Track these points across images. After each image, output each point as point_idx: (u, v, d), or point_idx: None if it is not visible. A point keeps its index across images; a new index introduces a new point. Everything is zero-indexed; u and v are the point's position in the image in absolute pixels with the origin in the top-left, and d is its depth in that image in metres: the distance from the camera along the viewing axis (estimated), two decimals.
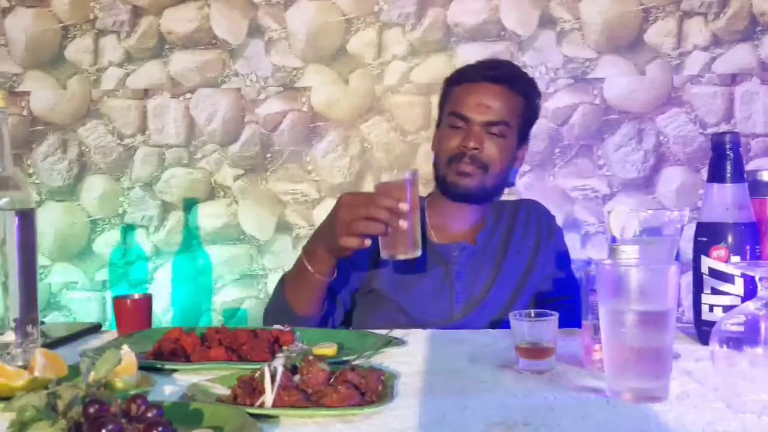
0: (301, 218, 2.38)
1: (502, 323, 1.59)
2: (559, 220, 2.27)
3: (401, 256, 1.47)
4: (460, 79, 1.76)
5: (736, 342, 0.96)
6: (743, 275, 1.21)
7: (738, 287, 1.22)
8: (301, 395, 0.93)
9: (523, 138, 1.77)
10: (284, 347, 1.23)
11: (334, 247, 1.46)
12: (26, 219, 1.15)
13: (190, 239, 2.39)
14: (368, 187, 2.37)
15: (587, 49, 2.33)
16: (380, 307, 1.67)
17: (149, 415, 0.77)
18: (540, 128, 2.33)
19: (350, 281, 1.69)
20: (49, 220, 2.39)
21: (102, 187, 2.40)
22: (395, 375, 1.06)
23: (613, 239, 1.24)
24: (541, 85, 2.32)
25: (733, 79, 2.31)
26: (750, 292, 1.20)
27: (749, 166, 2.19)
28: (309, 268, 1.52)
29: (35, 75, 2.40)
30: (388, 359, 1.20)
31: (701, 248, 1.26)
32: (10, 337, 1.12)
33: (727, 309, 1.19)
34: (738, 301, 1.21)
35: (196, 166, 2.39)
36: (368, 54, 2.37)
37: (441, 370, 1.15)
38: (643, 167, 2.33)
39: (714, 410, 0.92)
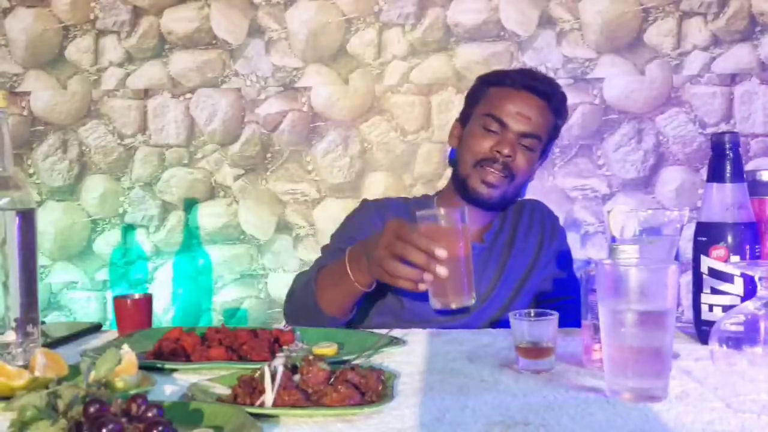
0: (301, 218, 2.38)
1: (502, 323, 1.59)
2: (560, 220, 2.28)
3: (453, 305, 1.32)
4: (501, 82, 1.73)
5: (735, 341, 0.96)
6: (743, 275, 1.22)
7: (737, 287, 1.23)
8: (302, 395, 0.93)
9: (544, 153, 1.78)
10: (284, 347, 1.23)
11: (373, 271, 1.38)
12: (27, 219, 1.15)
13: (191, 239, 2.39)
14: (368, 186, 2.37)
15: (587, 49, 2.34)
16: (384, 305, 1.67)
17: (149, 414, 0.77)
18: None
19: None
20: (50, 220, 2.39)
21: (102, 187, 2.40)
22: (395, 374, 1.06)
23: (613, 239, 1.24)
24: None
25: (732, 79, 2.31)
26: (749, 292, 1.20)
27: (749, 166, 2.19)
28: (350, 275, 1.44)
29: (36, 75, 2.40)
30: (388, 359, 1.20)
31: (701, 248, 1.26)
32: (10, 336, 1.12)
33: (726, 309, 1.19)
34: (737, 300, 1.21)
35: (196, 166, 2.40)
36: (368, 54, 2.37)
37: (441, 369, 1.15)
38: (642, 167, 2.33)
39: (713, 410, 0.92)
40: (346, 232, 1.77)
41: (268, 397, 0.92)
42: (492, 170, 1.67)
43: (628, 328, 0.96)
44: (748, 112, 2.31)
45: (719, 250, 1.24)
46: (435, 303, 1.33)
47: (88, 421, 0.74)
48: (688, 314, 1.42)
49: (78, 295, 2.40)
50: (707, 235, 1.26)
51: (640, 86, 2.33)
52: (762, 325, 0.96)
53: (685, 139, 2.33)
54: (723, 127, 2.31)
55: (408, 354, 1.24)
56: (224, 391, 0.98)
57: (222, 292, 2.39)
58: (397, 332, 1.37)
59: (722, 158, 1.25)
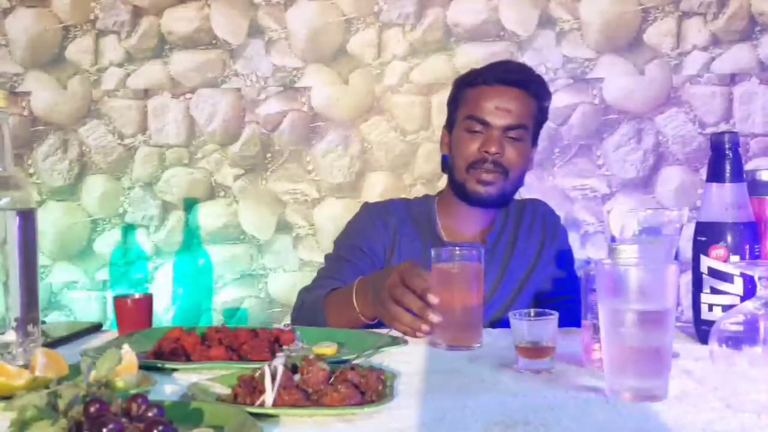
0: (301, 218, 2.38)
1: (502, 322, 1.59)
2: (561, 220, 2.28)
3: (458, 346, 1.29)
4: (475, 82, 1.73)
5: (735, 341, 0.96)
6: (742, 275, 1.22)
7: (737, 287, 1.23)
8: (302, 394, 0.93)
9: (535, 140, 1.77)
10: (284, 346, 1.23)
11: (376, 309, 1.38)
12: (27, 219, 1.15)
13: (191, 239, 2.39)
14: (368, 186, 2.37)
15: (586, 49, 2.34)
16: None
17: (150, 414, 0.77)
18: None
19: (370, 271, 1.68)
20: (50, 220, 2.39)
21: (102, 187, 2.41)
22: (395, 374, 1.06)
23: (613, 239, 1.24)
24: None
25: (731, 79, 2.32)
26: (749, 292, 1.20)
27: (748, 166, 2.19)
28: (356, 307, 1.44)
29: (36, 75, 2.40)
30: (388, 358, 1.20)
31: (700, 248, 1.26)
32: (11, 336, 1.12)
33: (726, 308, 1.19)
34: (737, 300, 1.21)
35: (196, 165, 2.40)
36: (368, 54, 2.37)
37: (441, 369, 1.15)
38: (642, 167, 2.33)
39: (713, 409, 0.92)
40: (348, 239, 1.78)
41: (269, 396, 0.93)
42: (484, 170, 1.68)
43: (627, 327, 0.96)
44: (748, 111, 2.31)
45: (719, 250, 1.24)
46: (439, 340, 1.32)
47: (88, 421, 0.74)
48: (688, 314, 1.42)
49: (78, 295, 2.40)
50: (707, 234, 1.26)
51: (639, 86, 2.33)
52: (761, 325, 0.96)
53: (685, 139, 2.33)
54: (722, 127, 2.31)
55: (408, 354, 1.24)
56: (224, 390, 0.98)
57: (222, 291, 2.39)
58: (397, 332, 1.37)
59: (722, 158, 1.25)
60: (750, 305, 0.99)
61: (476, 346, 1.30)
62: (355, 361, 1.13)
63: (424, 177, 2.37)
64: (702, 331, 1.26)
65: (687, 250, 1.34)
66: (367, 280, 1.46)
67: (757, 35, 2.31)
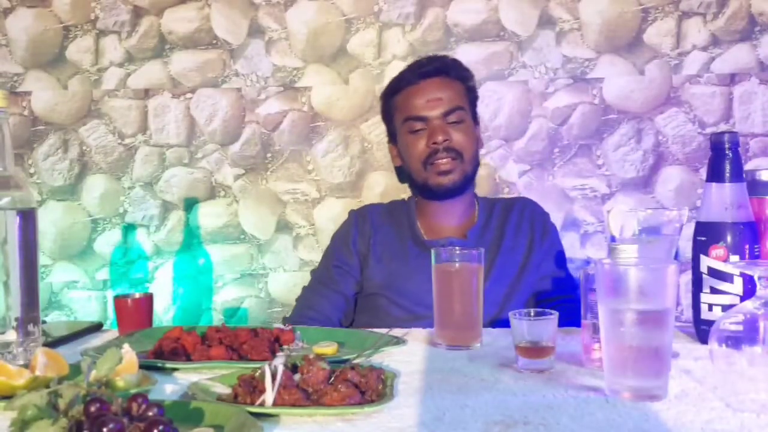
0: (301, 218, 2.38)
1: (501, 322, 1.59)
2: (559, 220, 2.28)
3: (457, 344, 1.30)
4: (399, 87, 1.79)
5: (734, 341, 0.96)
6: (742, 274, 1.22)
7: (737, 286, 1.23)
8: (302, 394, 0.93)
9: (475, 118, 1.83)
10: (284, 346, 1.24)
11: None
12: (27, 218, 1.16)
13: (191, 238, 2.40)
14: (368, 186, 2.37)
15: (586, 49, 2.34)
16: (378, 306, 1.68)
17: (150, 413, 0.77)
18: (539, 128, 2.34)
19: (348, 287, 1.73)
20: (51, 220, 2.39)
21: (103, 187, 2.41)
22: (395, 374, 1.06)
23: (613, 238, 1.24)
24: (540, 85, 2.33)
25: (731, 79, 2.32)
26: (749, 292, 1.20)
27: (748, 166, 2.19)
28: None
29: (36, 75, 2.40)
30: (388, 358, 1.20)
31: (700, 247, 1.26)
32: (11, 336, 1.13)
33: (726, 308, 1.20)
34: (737, 300, 1.22)
35: (196, 165, 2.40)
36: (368, 54, 2.37)
37: (441, 369, 1.15)
38: (642, 167, 2.33)
39: (713, 409, 0.92)
40: (329, 248, 1.88)
41: (269, 396, 0.93)
42: (439, 160, 1.71)
43: (627, 327, 0.96)
44: (748, 111, 2.32)
45: (718, 250, 1.24)
46: (439, 340, 1.32)
47: (88, 421, 0.74)
48: (688, 314, 1.42)
49: (79, 295, 2.40)
50: (707, 234, 1.26)
51: (639, 86, 2.33)
52: (761, 325, 0.96)
53: (685, 139, 2.33)
54: (722, 127, 2.31)
55: (408, 353, 1.25)
56: (225, 390, 0.99)
57: (222, 291, 2.39)
58: (397, 332, 1.37)
59: (721, 158, 1.26)
60: (750, 305, 0.99)
61: (476, 345, 1.30)
62: (355, 361, 1.13)
63: (406, 192, 2.37)
64: (702, 330, 1.26)
65: (687, 250, 1.34)
66: None
67: (757, 35, 2.31)
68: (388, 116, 1.84)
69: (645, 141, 2.33)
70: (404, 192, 2.33)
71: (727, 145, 1.25)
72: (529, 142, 2.35)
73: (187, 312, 2.39)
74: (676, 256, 1.25)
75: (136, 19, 2.39)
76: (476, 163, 1.81)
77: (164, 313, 2.37)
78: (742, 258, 1.23)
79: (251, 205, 2.39)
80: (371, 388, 0.96)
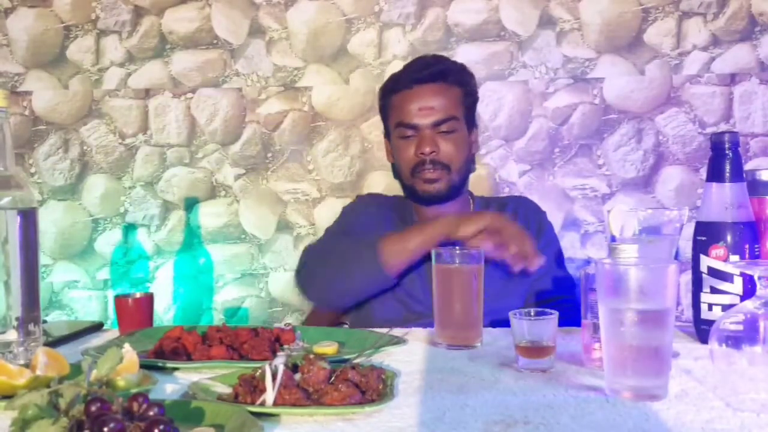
0: (301, 217, 2.39)
1: (501, 322, 1.59)
2: (559, 219, 2.28)
3: (458, 343, 1.29)
4: (396, 87, 1.75)
5: (734, 340, 0.96)
6: (742, 274, 1.22)
7: (737, 286, 1.23)
8: (302, 394, 0.93)
9: (471, 123, 1.78)
10: (285, 346, 1.24)
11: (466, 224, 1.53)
12: (28, 218, 1.16)
13: (192, 238, 2.40)
14: (368, 186, 2.37)
15: (587, 49, 2.34)
16: (377, 301, 1.68)
17: (151, 413, 0.77)
18: (540, 128, 2.34)
19: None
20: (51, 220, 2.39)
21: (103, 187, 2.41)
22: (395, 373, 1.06)
23: (613, 238, 1.24)
24: (540, 85, 2.33)
25: (731, 79, 2.32)
26: (749, 291, 1.20)
27: (748, 166, 2.20)
28: (428, 229, 1.56)
29: (37, 75, 2.40)
30: (388, 358, 1.20)
31: (700, 247, 1.26)
32: (12, 335, 1.13)
33: (726, 308, 1.20)
34: (737, 299, 1.22)
35: (197, 165, 2.40)
36: (368, 54, 2.37)
37: (441, 368, 1.15)
38: (642, 167, 2.33)
39: (713, 409, 0.92)
40: (341, 220, 1.83)
41: (269, 395, 0.93)
42: (426, 170, 1.69)
43: (627, 327, 0.96)
44: (748, 111, 2.32)
45: (719, 250, 1.24)
46: (439, 339, 1.32)
47: (89, 420, 0.74)
48: (688, 313, 1.42)
49: (79, 294, 2.40)
50: (707, 234, 1.26)
51: (639, 86, 2.33)
52: (761, 324, 0.96)
53: (685, 139, 2.33)
54: (722, 127, 2.31)
55: (408, 353, 1.25)
56: (225, 389, 0.99)
57: (223, 291, 2.39)
58: (397, 331, 1.37)
59: (722, 158, 1.25)
60: (750, 305, 0.99)
61: (476, 345, 1.30)
62: (355, 361, 1.13)
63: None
64: (702, 330, 1.26)
65: (687, 250, 1.34)
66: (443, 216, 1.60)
67: (757, 35, 2.31)
68: (383, 112, 1.82)
69: (645, 141, 2.33)
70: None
71: (727, 145, 1.25)
72: (530, 142, 2.35)
73: (188, 311, 2.39)
74: (676, 256, 1.25)
75: (137, 19, 2.40)
76: (467, 170, 1.78)
77: (165, 312, 2.37)
78: (742, 258, 1.23)
79: (252, 205, 2.39)
80: (372, 388, 0.96)
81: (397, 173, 1.82)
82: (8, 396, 0.92)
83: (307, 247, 1.76)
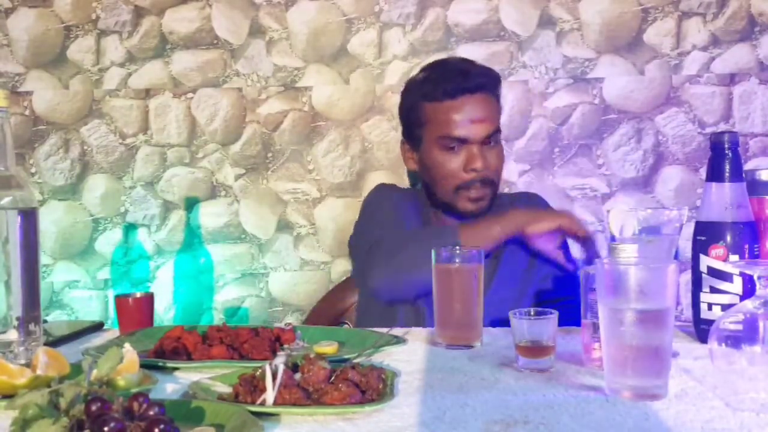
0: (301, 217, 2.39)
1: (502, 321, 1.59)
2: None
3: (458, 343, 1.30)
4: (434, 96, 1.65)
5: (734, 340, 0.96)
6: (742, 274, 1.22)
7: (736, 286, 1.23)
8: (302, 393, 0.94)
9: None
10: (285, 345, 1.24)
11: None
12: (29, 218, 1.16)
13: (192, 238, 2.40)
14: (369, 186, 2.37)
15: (587, 49, 2.34)
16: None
17: (151, 413, 0.77)
18: (539, 127, 2.34)
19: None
20: (52, 219, 2.39)
21: (104, 187, 2.41)
22: (396, 373, 1.06)
23: (613, 238, 1.24)
24: (540, 85, 2.34)
25: (731, 79, 2.32)
26: (748, 291, 1.20)
27: (748, 166, 2.20)
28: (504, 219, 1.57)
29: (37, 75, 2.40)
30: (388, 357, 1.21)
31: (700, 247, 1.27)
32: (12, 335, 1.13)
33: (725, 307, 1.20)
34: (736, 299, 1.22)
35: (197, 165, 2.40)
36: (369, 54, 2.37)
37: (441, 368, 1.15)
38: (642, 166, 2.33)
39: (712, 408, 0.92)
40: (370, 216, 1.77)
41: (269, 395, 0.93)
42: (473, 189, 1.64)
43: (627, 326, 0.97)
44: (747, 111, 2.32)
45: (718, 249, 1.24)
46: (439, 339, 1.33)
47: (89, 420, 0.75)
48: (688, 313, 1.42)
49: (80, 294, 2.40)
50: (706, 234, 1.26)
51: (639, 86, 2.33)
52: (761, 324, 0.96)
53: (685, 139, 2.33)
54: (722, 127, 2.31)
55: (408, 353, 1.25)
56: (225, 389, 0.99)
57: (223, 290, 2.40)
58: (397, 331, 1.38)
59: (721, 158, 1.26)
60: (749, 304, 0.99)
61: (476, 344, 1.30)
62: (355, 360, 1.13)
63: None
64: (701, 330, 1.26)
65: (687, 250, 1.34)
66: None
67: (756, 35, 2.31)
68: (411, 117, 1.71)
69: (645, 141, 2.33)
70: None
71: (726, 145, 1.25)
72: (529, 141, 2.35)
73: (188, 311, 2.39)
74: (676, 256, 1.25)
75: (137, 19, 2.40)
76: (500, 179, 1.75)
77: (165, 312, 2.37)
78: (741, 257, 1.23)
79: (252, 205, 2.39)
80: (372, 388, 0.97)
81: (425, 183, 1.75)
82: (9, 395, 0.92)
83: (369, 247, 1.64)
